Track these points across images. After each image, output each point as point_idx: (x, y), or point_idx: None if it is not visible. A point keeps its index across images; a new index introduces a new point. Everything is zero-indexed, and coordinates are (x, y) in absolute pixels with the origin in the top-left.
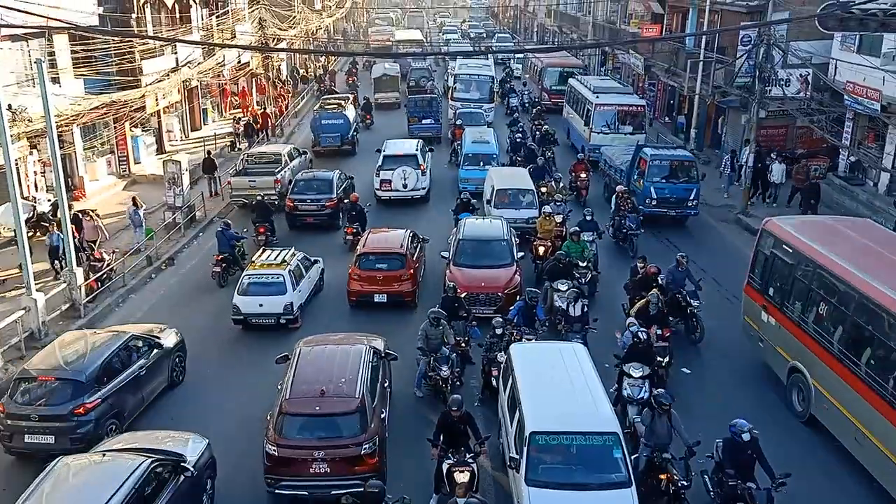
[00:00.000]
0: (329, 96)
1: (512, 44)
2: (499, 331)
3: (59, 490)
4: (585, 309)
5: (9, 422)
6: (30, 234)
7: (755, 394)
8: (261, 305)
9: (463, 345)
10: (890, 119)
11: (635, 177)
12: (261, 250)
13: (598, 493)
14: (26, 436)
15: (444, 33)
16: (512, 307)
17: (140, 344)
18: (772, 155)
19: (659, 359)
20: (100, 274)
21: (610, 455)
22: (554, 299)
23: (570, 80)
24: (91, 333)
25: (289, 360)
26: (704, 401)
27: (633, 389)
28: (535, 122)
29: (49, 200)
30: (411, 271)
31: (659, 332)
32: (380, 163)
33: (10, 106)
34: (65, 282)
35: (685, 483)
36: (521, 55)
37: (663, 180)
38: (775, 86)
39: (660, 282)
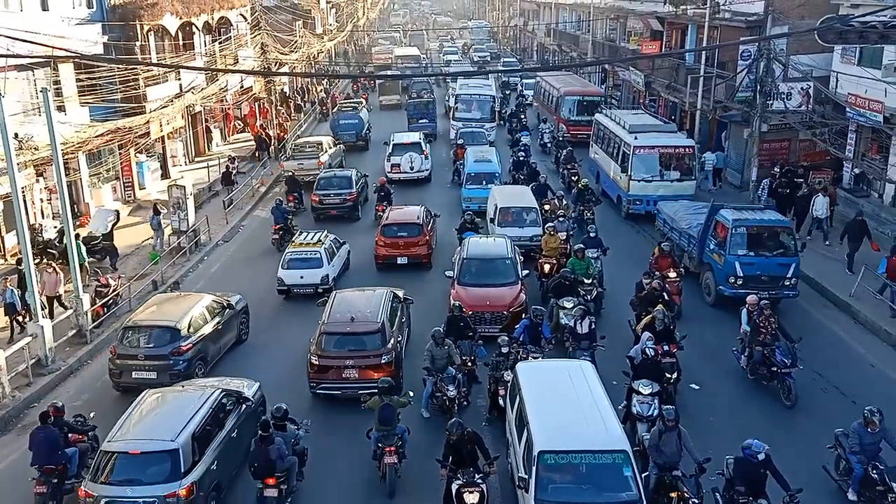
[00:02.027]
0: (345, 101)
1: (517, 66)
2: (505, 349)
3: (151, 413)
4: (593, 326)
5: (119, 361)
6: (36, 261)
7: (764, 409)
8: (301, 277)
9: (469, 364)
10: (893, 130)
11: (711, 247)
12: (299, 233)
13: None
14: (133, 372)
15: (445, 54)
16: (517, 325)
17: (217, 304)
18: (816, 185)
19: (667, 375)
20: (106, 299)
21: (620, 473)
22: (560, 317)
23: (598, 116)
24: (177, 295)
25: (327, 302)
26: (714, 417)
27: (643, 406)
28: (569, 168)
29: (55, 227)
30: (427, 238)
31: (666, 347)
32: (390, 150)
33: (16, 134)
34: (71, 307)
35: (696, 501)
36: (529, 79)
37: (751, 253)
38: (777, 99)
39: (665, 297)
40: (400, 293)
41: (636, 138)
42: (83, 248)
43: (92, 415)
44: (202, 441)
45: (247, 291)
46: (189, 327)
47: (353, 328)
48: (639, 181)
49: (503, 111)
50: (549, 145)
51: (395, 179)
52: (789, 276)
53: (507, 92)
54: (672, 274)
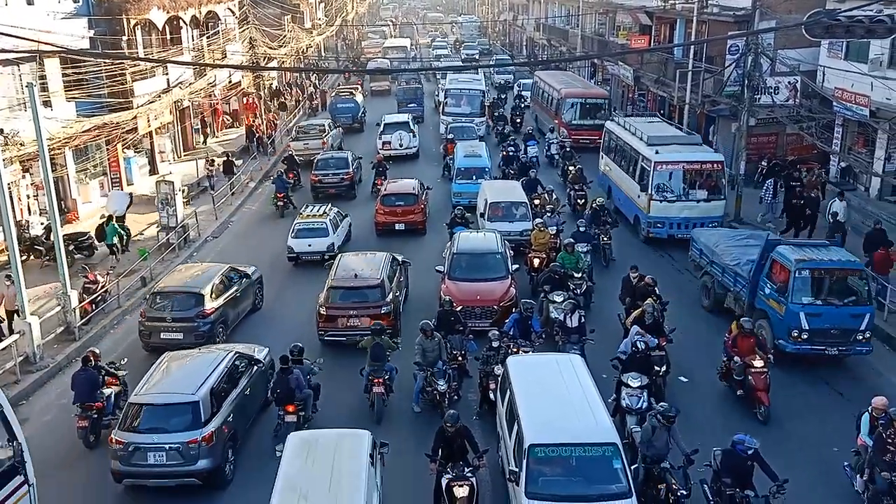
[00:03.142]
0: (342, 87)
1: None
2: (495, 344)
3: (172, 371)
4: (582, 320)
5: (148, 323)
6: (23, 258)
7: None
8: (309, 245)
9: (460, 358)
10: (879, 124)
11: (766, 292)
12: (304, 206)
13: None
14: (162, 333)
15: (435, 48)
16: (508, 320)
17: (235, 273)
18: (836, 188)
19: (656, 368)
20: (94, 296)
21: (609, 466)
22: (550, 311)
23: (610, 125)
24: (199, 265)
25: (333, 263)
26: (701, 409)
27: (632, 399)
28: (576, 188)
29: (42, 224)
30: (421, 207)
31: (655, 341)
32: (381, 129)
33: (2, 130)
34: (59, 304)
35: (684, 492)
36: (526, 79)
37: (818, 301)
38: (764, 94)
39: (655, 291)
40: (399, 257)
41: (657, 152)
42: (117, 231)
43: (124, 361)
44: (219, 396)
45: None
46: (212, 293)
47: (357, 283)
48: (660, 201)
49: (495, 114)
50: (556, 157)
51: (387, 155)
52: (863, 328)
53: (503, 95)
54: (757, 363)
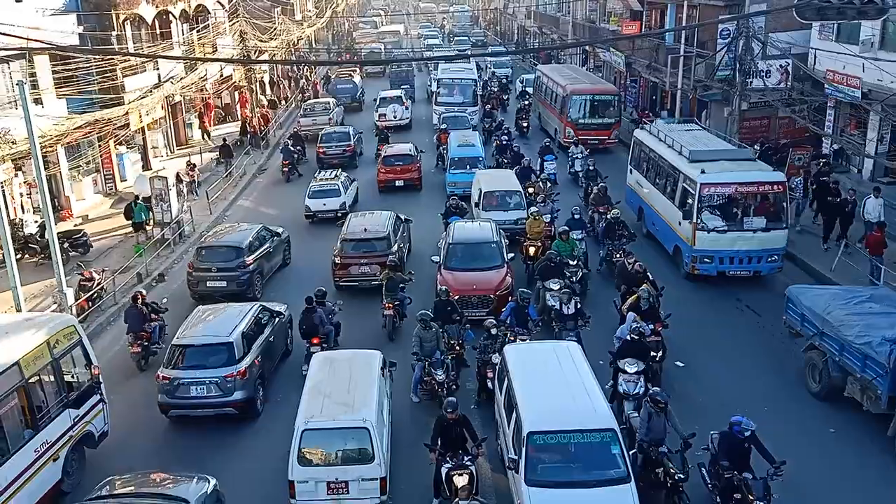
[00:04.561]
0: (342, 70)
1: (509, 58)
2: (494, 332)
3: (207, 319)
4: (579, 307)
5: (196, 274)
6: (17, 256)
7: (747, 385)
8: (324, 204)
9: (457, 348)
10: (871, 106)
11: None
12: (317, 172)
13: (598, 489)
14: (208, 282)
15: (426, 38)
16: (504, 308)
17: (267, 231)
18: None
19: (652, 353)
20: (90, 293)
21: (608, 451)
22: (546, 299)
23: (640, 134)
24: (237, 223)
25: (344, 222)
26: (698, 393)
27: (629, 385)
28: (600, 211)
29: (36, 222)
30: (417, 165)
31: (651, 327)
32: (377, 103)
33: None
34: (56, 302)
35: (682, 476)
36: (530, 74)
37: None
38: (756, 77)
39: (649, 277)
40: (402, 216)
41: (703, 172)
42: (144, 209)
43: (164, 300)
44: (249, 339)
45: None
46: (249, 247)
47: (366, 236)
48: (708, 232)
49: (486, 106)
50: (580, 175)
51: (382, 126)
52: None
53: (505, 96)
54: None
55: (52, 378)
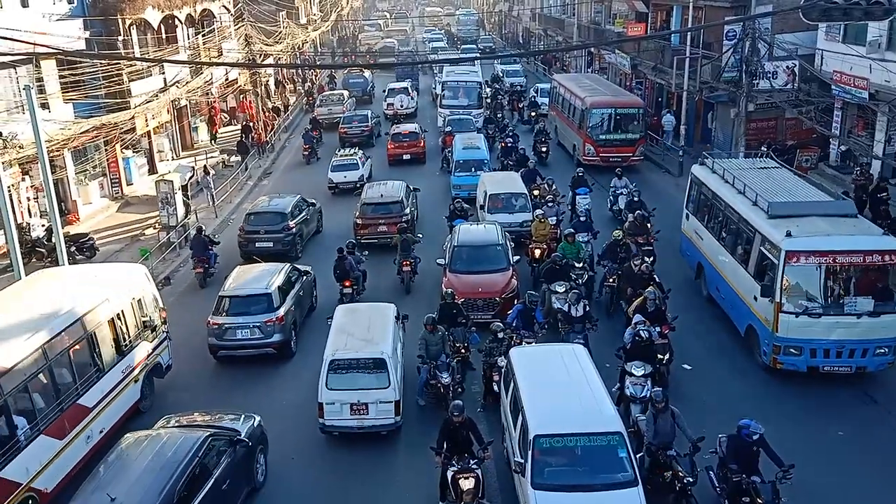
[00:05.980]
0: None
1: (519, 65)
2: (500, 335)
3: (247, 275)
4: (587, 309)
5: (245, 236)
6: (25, 260)
7: (755, 387)
8: (345, 177)
9: (463, 351)
10: (878, 107)
11: None
12: (338, 149)
13: (605, 493)
14: (256, 243)
15: (430, 42)
16: (511, 311)
17: (304, 201)
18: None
19: (660, 356)
20: None
21: (615, 455)
22: (552, 301)
23: (698, 171)
24: (276, 194)
25: (362, 190)
26: (706, 396)
27: (636, 388)
28: (640, 244)
29: (43, 226)
30: (422, 142)
31: (658, 329)
32: (386, 94)
33: (0, 133)
34: None
35: (690, 480)
36: (544, 84)
37: None
38: (762, 79)
39: (655, 278)
40: (411, 186)
41: (789, 235)
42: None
43: (217, 237)
44: (283, 291)
45: None
46: (292, 213)
47: (383, 200)
48: (797, 316)
49: (487, 129)
50: (624, 211)
51: (390, 115)
52: None
53: (522, 105)
54: None
55: (133, 314)
